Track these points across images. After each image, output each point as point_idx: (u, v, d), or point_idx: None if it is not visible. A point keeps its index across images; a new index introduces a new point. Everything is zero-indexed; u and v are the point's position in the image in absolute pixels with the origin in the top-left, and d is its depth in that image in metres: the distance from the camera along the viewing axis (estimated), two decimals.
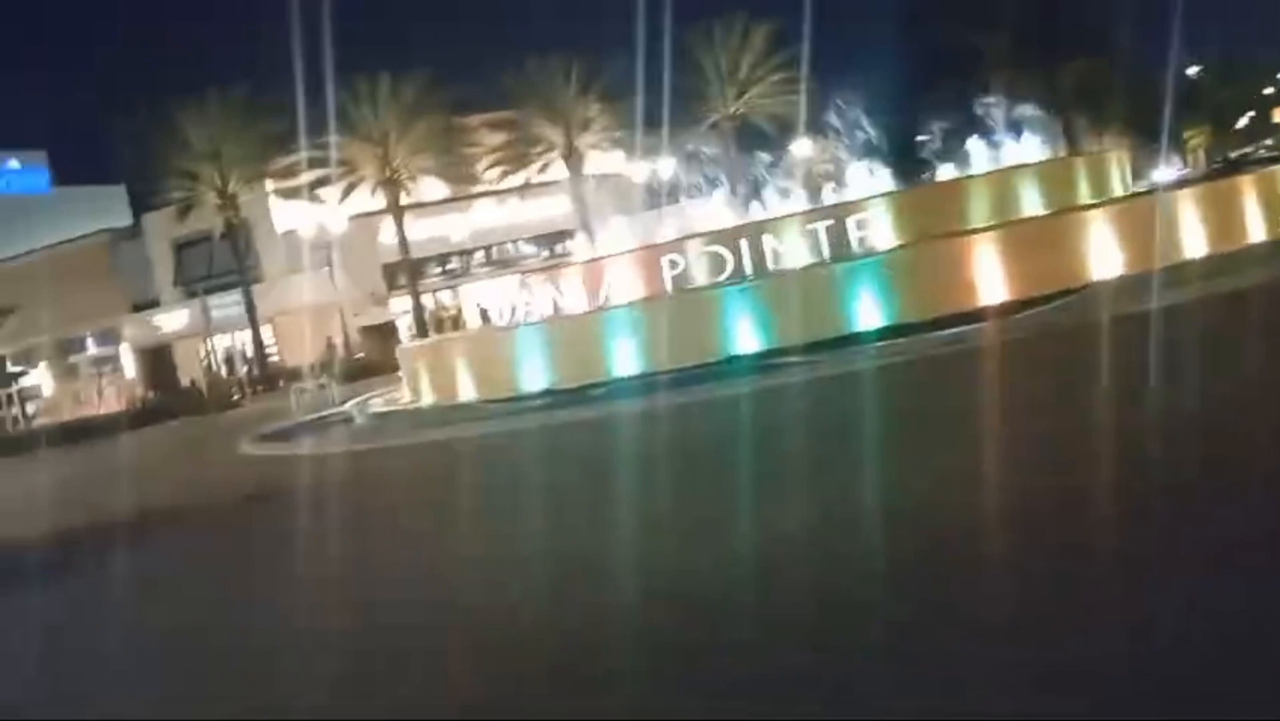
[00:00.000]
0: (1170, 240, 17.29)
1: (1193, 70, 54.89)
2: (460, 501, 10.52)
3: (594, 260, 21.22)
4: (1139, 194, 23.37)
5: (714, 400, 13.61)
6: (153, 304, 56.05)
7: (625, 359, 17.10)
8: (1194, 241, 17.72)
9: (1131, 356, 10.13)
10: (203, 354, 53.93)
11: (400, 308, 50.52)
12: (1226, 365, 9.28)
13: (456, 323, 48.32)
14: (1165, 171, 46.37)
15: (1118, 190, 22.01)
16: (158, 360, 56.04)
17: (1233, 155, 51.00)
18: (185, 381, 53.76)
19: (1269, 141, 57.33)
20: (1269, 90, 60.21)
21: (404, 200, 47.93)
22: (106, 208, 68.41)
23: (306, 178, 45.59)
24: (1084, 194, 20.75)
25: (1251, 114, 59.27)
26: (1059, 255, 17.05)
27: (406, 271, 48.20)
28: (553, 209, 52.35)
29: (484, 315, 43.05)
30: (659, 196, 32.23)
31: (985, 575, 5.30)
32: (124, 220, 63.27)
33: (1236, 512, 5.37)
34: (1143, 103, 40.60)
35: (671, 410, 13.53)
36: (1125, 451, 6.88)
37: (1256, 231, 18.22)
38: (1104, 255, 16.92)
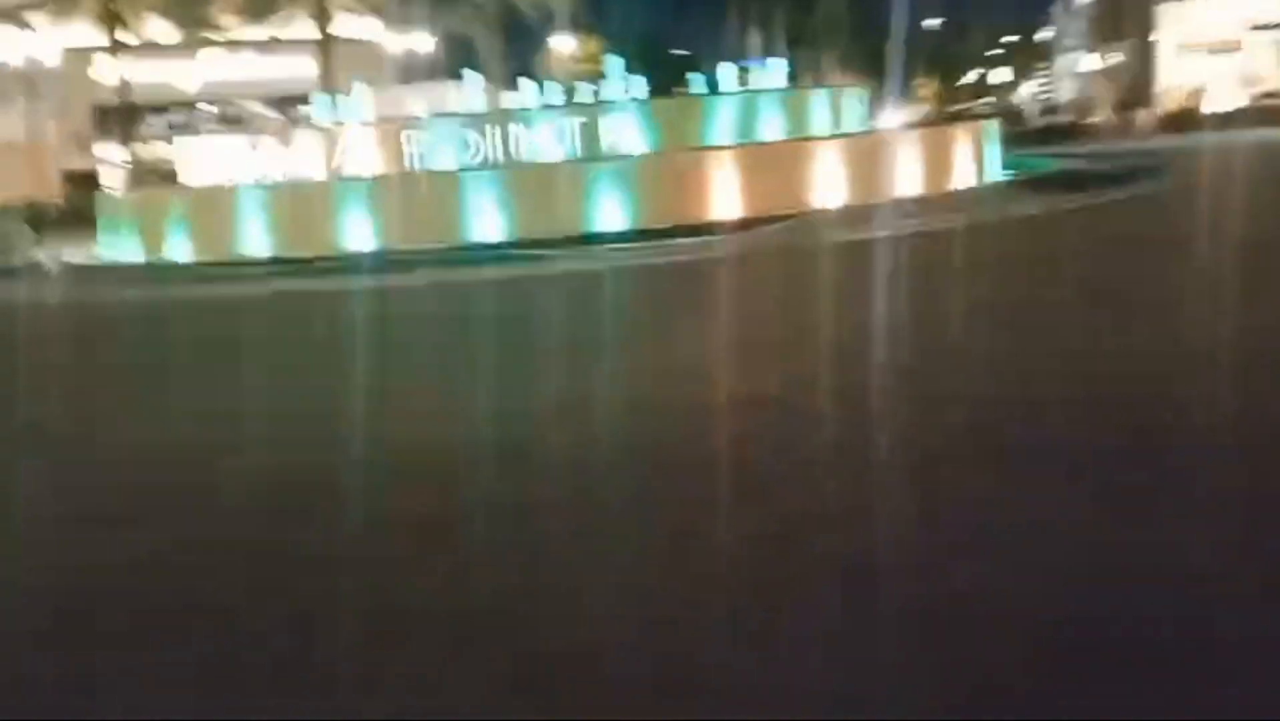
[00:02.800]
0: (891, 177, 18.40)
1: (933, 24, 58.10)
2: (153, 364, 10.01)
3: (334, 127, 20.30)
4: (869, 132, 24.64)
5: (443, 284, 13.47)
6: None
7: (359, 234, 16.61)
8: (911, 181, 18.92)
9: (834, 277, 10.89)
10: None
11: (112, 156, 46.69)
12: (915, 288, 10.10)
13: (172, 178, 45.18)
14: (894, 115, 49.06)
15: (852, 126, 23.14)
16: None
17: (955, 108, 54.62)
18: None
19: (988, 99, 61.71)
20: (993, 52, 64.61)
21: (127, 39, 44.02)
22: None
23: (15, 1, 41.03)
24: (821, 126, 21.71)
25: (978, 72, 63.49)
26: (791, 180, 17.81)
27: (121, 116, 44.48)
28: (293, 69, 49.48)
29: (203, 172, 40.45)
30: (411, 72, 31.13)
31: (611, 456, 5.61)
32: None
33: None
34: (882, 48, 42.65)
35: (397, 291, 13.29)
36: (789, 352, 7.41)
37: (966, 178, 19.67)
38: (831, 184, 17.81)
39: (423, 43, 39.24)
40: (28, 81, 42.62)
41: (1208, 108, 47.41)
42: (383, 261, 15.09)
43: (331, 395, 7.80)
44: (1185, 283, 9.51)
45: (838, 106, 23.21)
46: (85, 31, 43.96)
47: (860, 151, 19.36)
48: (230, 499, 5.57)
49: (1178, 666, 3.24)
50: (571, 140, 18.44)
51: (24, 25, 42.08)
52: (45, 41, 43.05)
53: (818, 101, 23.00)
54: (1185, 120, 44.61)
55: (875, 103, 41.20)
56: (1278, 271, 9.84)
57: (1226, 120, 42.26)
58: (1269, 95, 47.13)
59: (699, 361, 8.12)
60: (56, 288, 16.99)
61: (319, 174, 19.03)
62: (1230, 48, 60.95)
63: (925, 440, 5.62)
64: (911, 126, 33.55)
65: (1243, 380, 6.24)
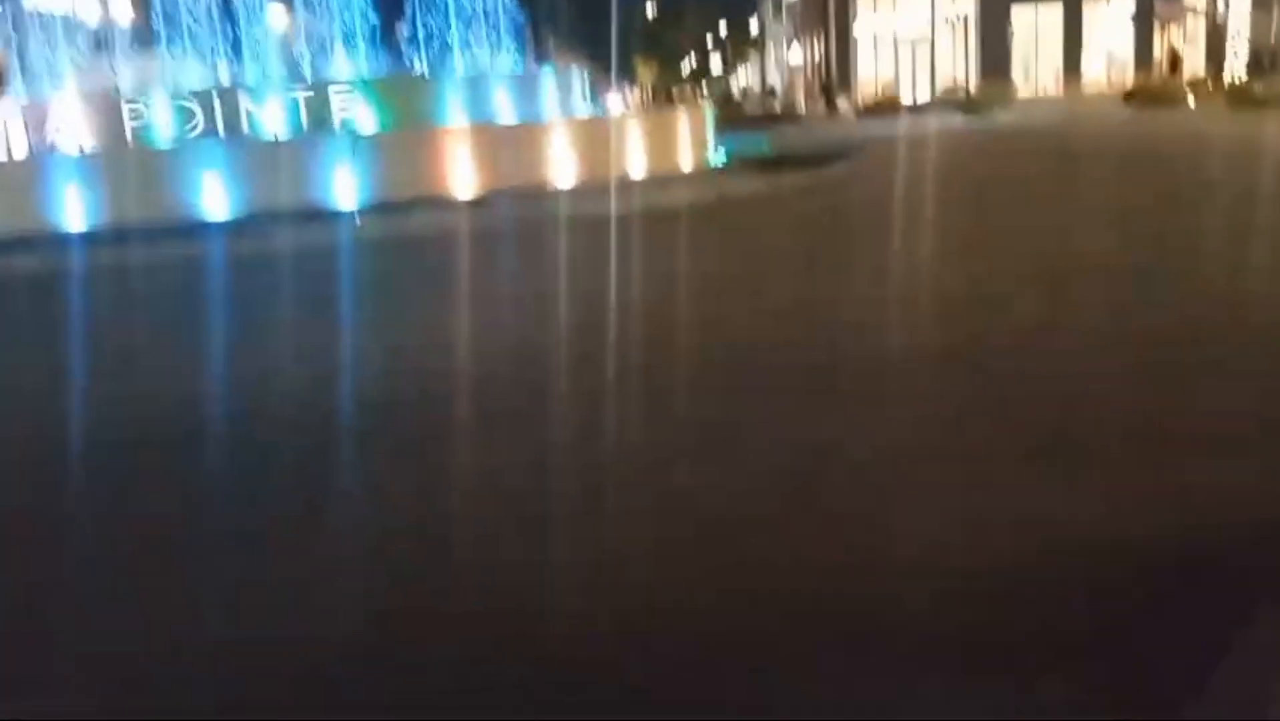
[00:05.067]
0: (618, 158, 19.30)
1: (649, 8, 60.08)
2: None
3: (39, 102, 19.17)
4: (595, 115, 25.54)
5: (183, 259, 13.22)
6: None
7: (74, 209, 15.89)
8: (637, 161, 19.88)
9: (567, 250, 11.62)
10: None
11: None
12: (642, 258, 10.94)
13: None
14: (616, 98, 50.44)
15: (580, 109, 23.94)
16: None
17: (676, 91, 56.76)
18: None
19: (705, 86, 64.42)
20: (710, 39, 67.50)
21: None
22: None
23: None
24: (549, 108, 22.36)
25: (696, 57, 66.11)
26: (521, 160, 18.36)
27: None
28: None
29: None
30: (115, 43, 29.46)
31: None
32: None
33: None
34: (603, 31, 43.79)
35: (109, 268, 12.94)
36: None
37: (688, 159, 20.85)
38: (561, 164, 18.50)
39: (123, 11, 37.10)
40: None
41: (903, 97, 51.56)
42: (99, 237, 14.58)
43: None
44: (882, 244, 10.79)
45: (566, 89, 23.95)
46: None
47: (588, 133, 20.14)
48: None
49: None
50: (300, 116, 18.26)
51: None
52: None
53: (545, 84, 23.64)
54: (883, 108, 48.34)
55: (601, 86, 42.35)
56: (946, 229, 11.30)
57: (919, 109, 46.21)
58: (954, 87, 51.69)
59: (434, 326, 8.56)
60: None
61: (23, 149, 17.98)
62: (921, 40, 66.20)
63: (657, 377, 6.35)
64: (635, 110, 34.82)
65: (913, 313, 7.35)
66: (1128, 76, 53.59)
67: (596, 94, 33.41)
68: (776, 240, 12.38)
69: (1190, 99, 40.64)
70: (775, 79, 76.64)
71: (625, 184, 17.70)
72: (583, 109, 24.54)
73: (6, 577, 4.18)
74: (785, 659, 3.14)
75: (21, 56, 22.68)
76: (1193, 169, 16.73)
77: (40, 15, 26.18)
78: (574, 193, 17.27)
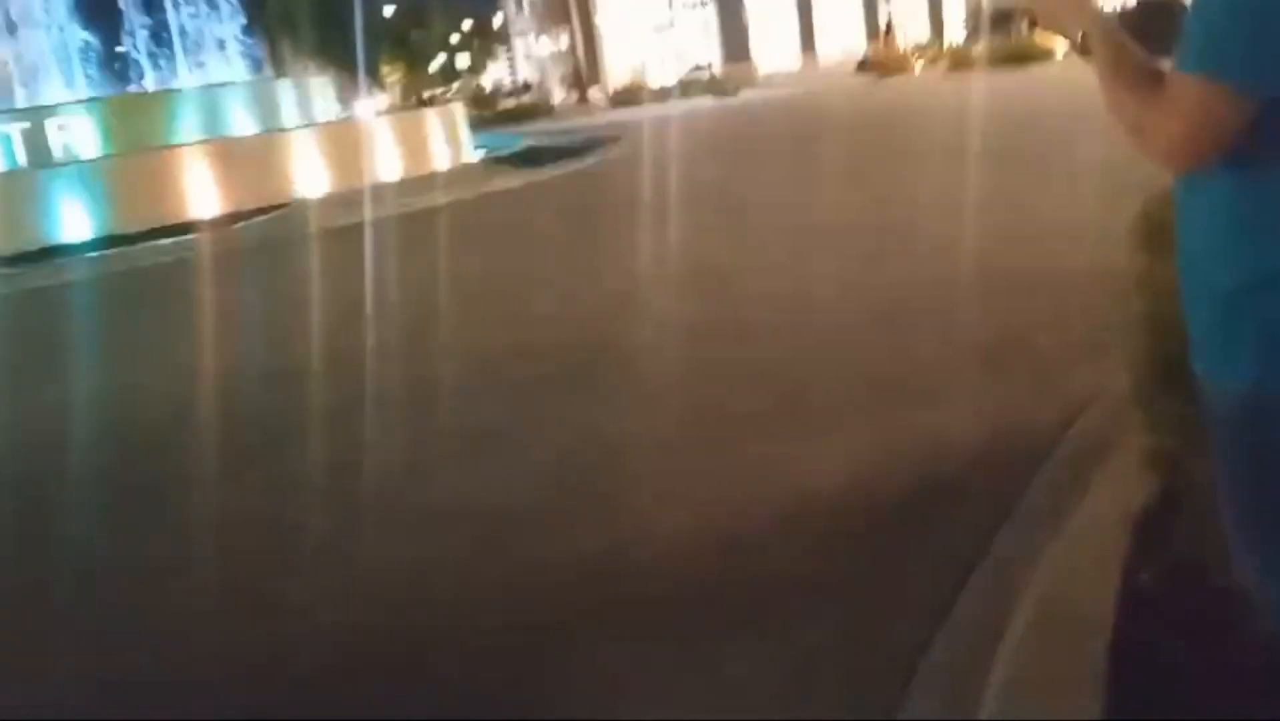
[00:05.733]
0: (369, 164, 18.86)
1: (389, 10, 58.83)
2: None
3: None
4: (342, 120, 24.87)
5: None
6: None
7: None
8: (390, 166, 19.48)
9: (331, 264, 11.26)
10: None
11: None
12: (397, 265, 10.72)
13: None
14: (366, 103, 49.31)
15: (323, 115, 23.24)
16: None
17: (426, 94, 55.92)
18: None
19: (456, 85, 63.72)
20: (456, 37, 66.68)
21: None
22: None
23: None
24: (289, 116, 21.62)
25: (443, 57, 65.18)
26: (268, 172, 17.67)
27: None
28: None
29: None
30: None
31: None
32: None
33: None
34: (344, 34, 42.65)
35: None
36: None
37: (442, 160, 20.59)
38: (309, 175, 17.91)
39: None
40: None
41: (651, 82, 52.51)
42: None
43: None
44: (634, 233, 10.95)
45: (306, 96, 23.20)
46: None
47: (335, 140, 19.58)
48: None
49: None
50: (18, 147, 16.97)
51: None
52: None
53: (285, 92, 22.83)
54: (633, 95, 49.09)
55: (346, 91, 41.23)
56: (697, 214, 11.58)
57: (667, 93, 47.16)
58: (698, 68, 52.96)
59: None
60: None
61: None
62: (665, 26, 67.40)
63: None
64: (383, 113, 34.11)
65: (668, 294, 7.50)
66: (859, 49, 56.44)
67: (344, 101, 32.53)
68: (532, 236, 12.38)
69: (917, 66, 43.21)
70: (526, 73, 76.69)
71: (378, 189, 17.33)
72: (328, 116, 23.85)
73: None
74: (560, 645, 3.14)
75: None
76: (911, 131, 17.84)
77: None
78: (324, 202, 16.75)
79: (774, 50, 65.79)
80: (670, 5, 65.33)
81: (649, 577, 3.57)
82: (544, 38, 74.82)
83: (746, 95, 41.20)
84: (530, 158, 20.99)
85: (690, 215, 11.82)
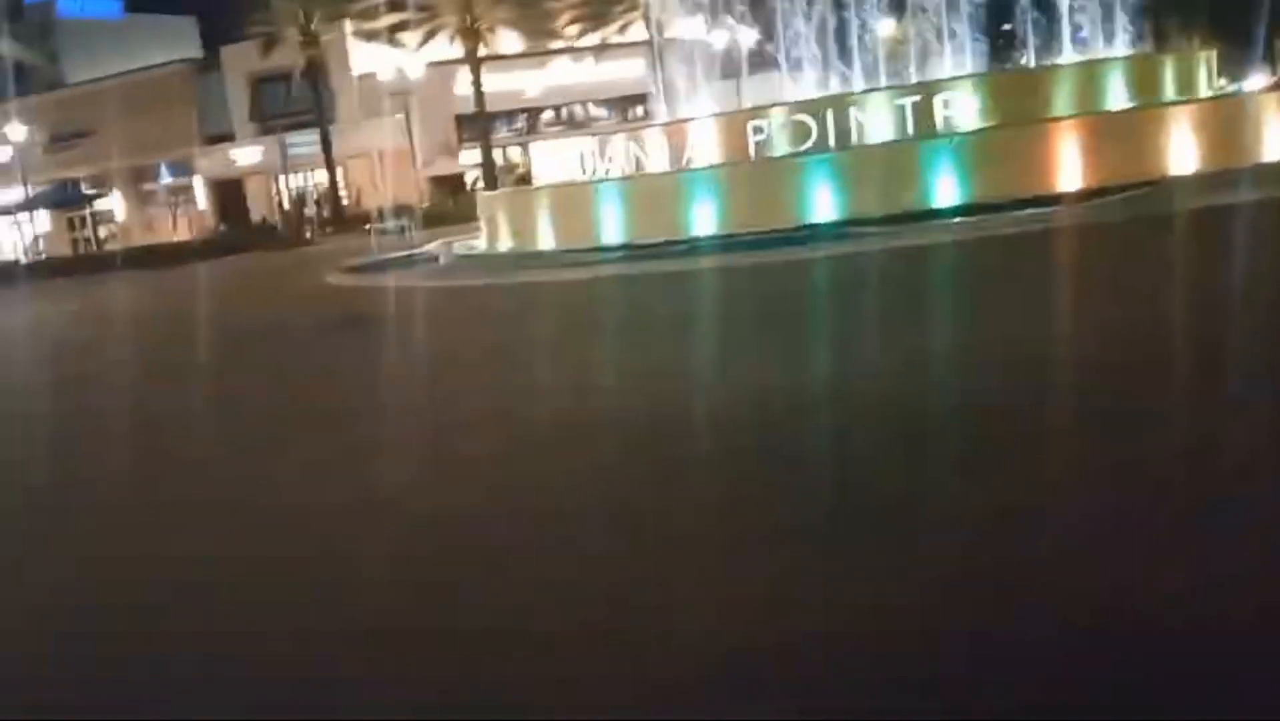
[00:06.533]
0: (1250, 142, 17.51)
1: None
2: (565, 331, 11.48)
3: (678, 122, 21.68)
4: (1223, 95, 23.30)
5: (788, 262, 14.27)
6: (227, 138, 57.02)
7: (704, 220, 17.77)
8: (1272, 145, 17.87)
9: (1195, 247, 10.76)
10: (275, 191, 55.07)
11: (469, 160, 51.10)
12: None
13: (526, 179, 48.91)
14: (1256, 78, 45.36)
15: (1203, 91, 22.01)
16: (229, 194, 57.32)
17: None
18: (255, 217, 55.12)
19: None
20: None
21: (481, 52, 48.08)
22: (176, 38, 68.82)
23: (386, 21, 45.88)
24: (1169, 92, 20.82)
25: None
26: (1137, 148, 17.34)
27: (479, 124, 48.64)
28: (628, 71, 52.28)
29: (555, 171, 43.54)
30: (739, 65, 32.28)
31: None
32: (193, 52, 63.79)
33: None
34: (1235, 7, 39.61)
35: (746, 268, 14.24)
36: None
37: None
38: (1182, 152, 17.19)
39: (747, 37, 40.39)
40: (398, 95, 47.42)
41: None
42: (728, 244, 16.19)
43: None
44: None
45: (1186, 71, 22.14)
46: (445, 47, 48.37)
47: (1210, 117, 18.51)
48: None
49: None
50: (908, 119, 18.81)
51: (395, 44, 46.90)
52: (411, 58, 47.66)
53: (1161, 67, 22.04)
54: None
55: (1233, 65, 38.36)
56: None
57: None
58: None
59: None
60: (454, 271, 19.31)
61: (665, 167, 20.42)
62: None
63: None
64: (1268, 90, 31.11)
65: None
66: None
67: (1229, 76, 30.35)
68: None
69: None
70: None
71: (1259, 171, 16.02)
72: (1208, 91, 22.53)
73: None
74: None
75: (664, 80, 25.79)
76: None
77: (678, 41, 29.64)
78: (1195, 182, 15.96)
79: None
80: None
81: None
82: None
83: None
84: None
85: None
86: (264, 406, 9.04)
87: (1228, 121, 18.26)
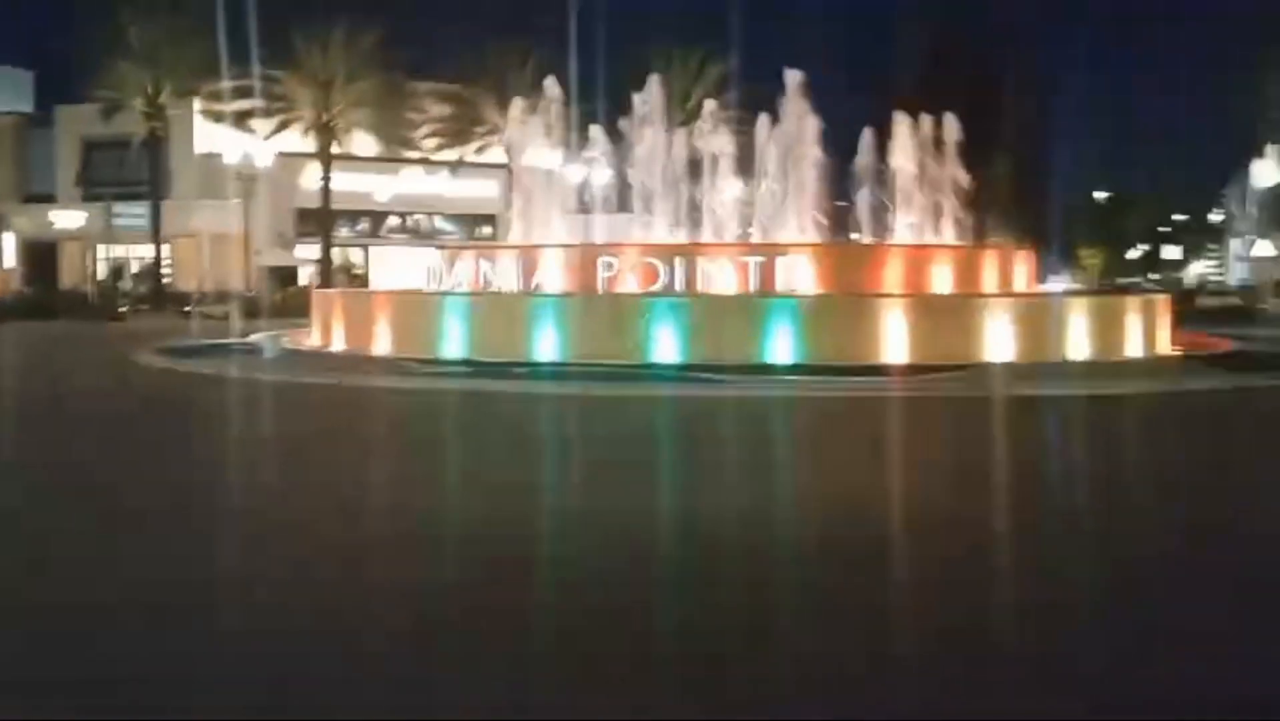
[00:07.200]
0: (1059, 340, 18.81)
1: (1101, 195, 58.31)
2: (385, 440, 11.16)
3: (530, 247, 21.87)
4: (1037, 294, 25.06)
5: (629, 398, 14.40)
6: (48, 198, 54.39)
7: (548, 345, 17.81)
8: (1078, 345, 19.23)
9: (1009, 431, 11.41)
10: (92, 259, 52.58)
11: (304, 255, 50.11)
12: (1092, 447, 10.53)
13: (362, 281, 48.20)
14: (1057, 281, 49.14)
15: (1019, 286, 23.64)
16: (42, 256, 54.39)
17: (1121, 280, 54.29)
18: (67, 283, 52.34)
19: (1155, 275, 61.07)
20: (1164, 228, 64.23)
21: (334, 149, 47.69)
22: (6, 89, 65.92)
23: (239, 105, 45.12)
24: (989, 283, 22.29)
25: (1145, 247, 63.11)
26: (959, 332, 18.39)
27: (321, 221, 47.92)
28: (479, 190, 52.65)
29: (391, 277, 43.05)
30: (591, 200, 32.98)
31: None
32: (24, 105, 61.12)
33: None
34: (1046, 212, 43.21)
35: (589, 398, 14.29)
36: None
37: (1135, 347, 19.86)
38: (998, 341, 18.30)
39: (601, 174, 41.53)
40: (240, 179, 46.23)
41: None
42: (568, 372, 16.23)
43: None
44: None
45: (1005, 266, 23.76)
46: (296, 139, 47.76)
47: (1029, 311, 19.83)
48: None
49: None
50: (750, 276, 19.49)
51: (244, 129, 45.99)
52: (258, 145, 46.75)
53: (986, 260, 23.61)
54: None
55: (1039, 267, 41.49)
56: None
57: None
58: None
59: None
60: (279, 366, 18.63)
61: (512, 289, 20.47)
62: None
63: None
64: (1077, 293, 33.71)
65: None
66: None
67: (1038, 274, 32.76)
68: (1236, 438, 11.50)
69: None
70: (1235, 273, 71.16)
71: (1065, 366, 17.19)
72: (1025, 287, 24.18)
73: None
74: None
75: (517, 205, 26.12)
76: None
77: (534, 169, 30.25)
78: (1013, 369, 16.96)
79: None
80: None
81: None
82: (1265, 241, 69.09)
83: None
84: (1241, 361, 19.49)
85: None
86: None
87: (1041, 317, 19.59)
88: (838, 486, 8.57)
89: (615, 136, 30.73)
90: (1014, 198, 47.66)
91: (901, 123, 24.19)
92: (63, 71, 52.23)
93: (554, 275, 20.29)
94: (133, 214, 49.13)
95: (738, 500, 7.93)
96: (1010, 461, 9.65)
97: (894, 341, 17.69)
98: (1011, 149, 49.01)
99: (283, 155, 47.89)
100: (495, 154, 49.83)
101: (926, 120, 24.67)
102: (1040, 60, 50.95)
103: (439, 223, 53.60)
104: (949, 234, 26.16)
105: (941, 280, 21.36)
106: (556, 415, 13.18)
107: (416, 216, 53.60)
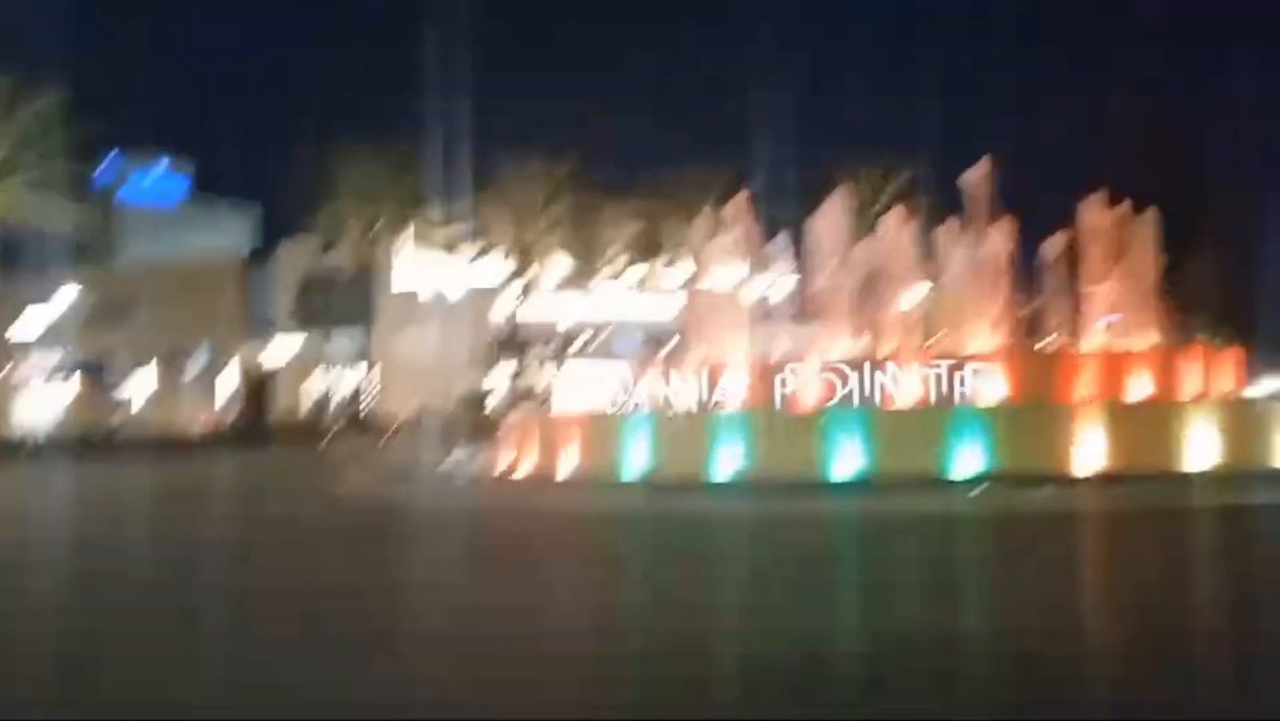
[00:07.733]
0: (1267, 446, 17.82)
1: None
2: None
3: (710, 364, 22.27)
4: (1242, 397, 23.75)
5: (816, 516, 14.40)
6: (268, 329, 58.56)
7: (728, 462, 18.03)
8: None
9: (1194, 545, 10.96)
10: (307, 387, 56.08)
11: (497, 378, 52.21)
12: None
13: (547, 402, 49.67)
14: (1268, 383, 46.19)
15: (1223, 389, 22.47)
16: (260, 384, 58.36)
17: None
18: (280, 405, 55.92)
19: None
20: None
21: (529, 272, 49.93)
22: (231, 223, 71.83)
23: (443, 235, 47.94)
24: (1190, 387, 21.30)
25: None
26: (1157, 440, 17.66)
27: (513, 347, 50.01)
28: (663, 306, 53.88)
29: (576, 398, 44.21)
30: (769, 316, 33.30)
31: None
32: (247, 237, 66.38)
33: None
34: (1257, 306, 40.92)
35: (778, 519, 14.34)
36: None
37: None
38: (1200, 448, 17.47)
39: (780, 291, 41.91)
40: (440, 308, 48.86)
41: None
42: (754, 490, 16.41)
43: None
44: None
45: (1209, 367, 22.65)
46: (492, 263, 50.23)
47: (1232, 416, 18.89)
48: None
49: None
50: (935, 386, 19.31)
51: (450, 256, 48.73)
52: (458, 272, 49.38)
53: (1185, 363, 22.60)
54: None
55: (1248, 366, 39.17)
56: None
57: None
58: None
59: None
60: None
61: (692, 406, 20.88)
62: None
63: None
64: None
65: None
66: None
67: (1247, 375, 30.95)
68: None
69: None
70: None
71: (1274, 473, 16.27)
72: (1230, 389, 22.99)
73: None
74: None
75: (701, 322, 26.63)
76: None
77: (718, 286, 30.78)
78: (1214, 479, 16.15)
79: None
80: None
81: None
82: None
83: None
84: None
85: None
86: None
87: (1243, 423, 18.66)
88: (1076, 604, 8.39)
89: (798, 247, 31.20)
90: (1221, 291, 45.44)
91: (1098, 217, 23.62)
92: (284, 201, 56.00)
93: (734, 391, 20.59)
94: (342, 342, 52.46)
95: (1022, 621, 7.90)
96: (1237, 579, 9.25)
97: (1085, 449, 17.15)
98: (1219, 239, 46.91)
99: (477, 289, 50.50)
100: (681, 269, 51.12)
101: (1125, 213, 24.01)
102: (1254, 133, 48.20)
103: (623, 339, 55.11)
104: (1149, 333, 25.17)
105: (1138, 385, 20.57)
106: (782, 536, 13.22)
107: (602, 334, 55.28)
